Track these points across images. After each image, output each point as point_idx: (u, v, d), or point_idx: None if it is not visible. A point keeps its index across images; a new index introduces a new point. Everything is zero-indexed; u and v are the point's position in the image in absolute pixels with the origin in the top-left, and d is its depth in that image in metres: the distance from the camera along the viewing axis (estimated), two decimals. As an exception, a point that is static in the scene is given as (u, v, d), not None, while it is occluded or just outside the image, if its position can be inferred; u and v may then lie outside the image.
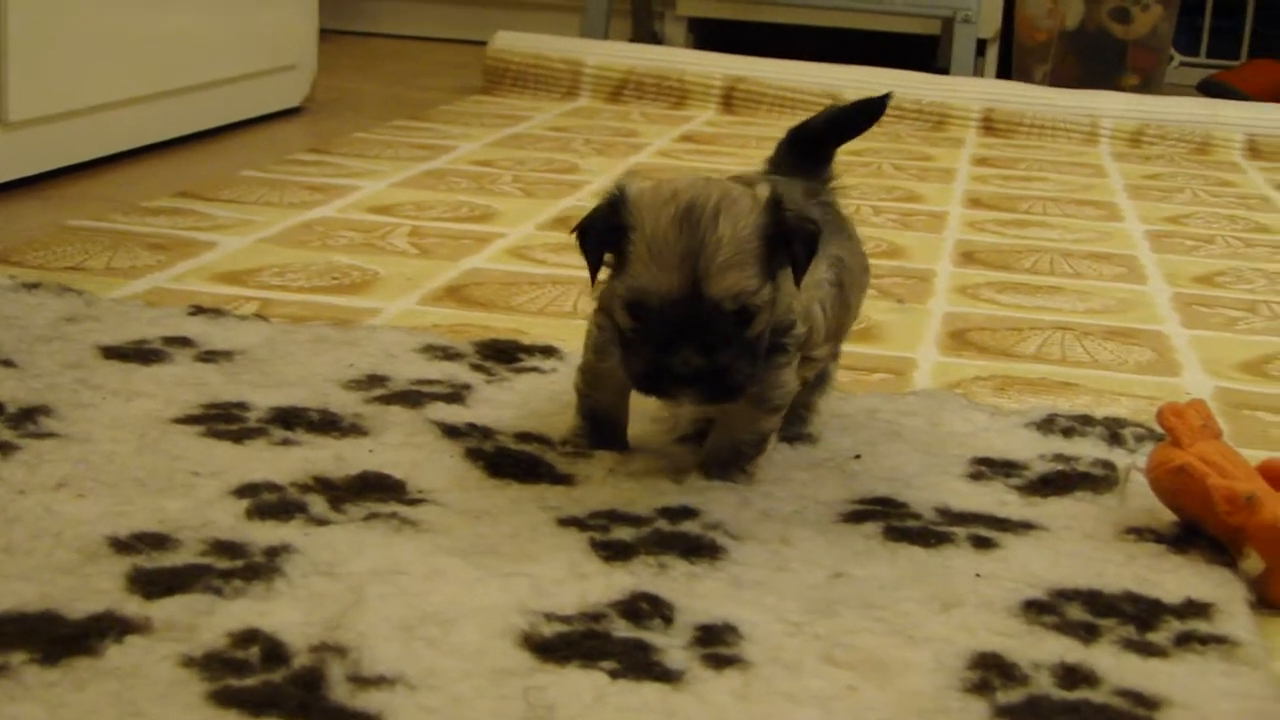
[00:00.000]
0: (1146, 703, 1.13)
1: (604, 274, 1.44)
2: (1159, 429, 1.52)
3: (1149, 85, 4.84)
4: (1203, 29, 5.71)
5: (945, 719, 1.10)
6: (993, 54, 5.16)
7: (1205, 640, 1.23)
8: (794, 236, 1.39)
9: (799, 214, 1.40)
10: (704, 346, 1.34)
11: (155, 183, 2.81)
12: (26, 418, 1.53)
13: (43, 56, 2.67)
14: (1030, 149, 3.90)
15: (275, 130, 3.54)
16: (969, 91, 4.21)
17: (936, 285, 2.40)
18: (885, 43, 5.19)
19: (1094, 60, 4.84)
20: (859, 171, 3.40)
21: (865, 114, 1.71)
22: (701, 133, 3.82)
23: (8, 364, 1.68)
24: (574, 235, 1.43)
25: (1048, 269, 2.56)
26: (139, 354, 1.75)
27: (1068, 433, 1.69)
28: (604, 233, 1.40)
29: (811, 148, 1.68)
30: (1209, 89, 5.14)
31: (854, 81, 4.18)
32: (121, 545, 1.27)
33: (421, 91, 4.28)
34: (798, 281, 1.41)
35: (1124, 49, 4.87)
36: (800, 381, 1.51)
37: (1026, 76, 4.83)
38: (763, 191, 1.40)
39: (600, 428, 1.56)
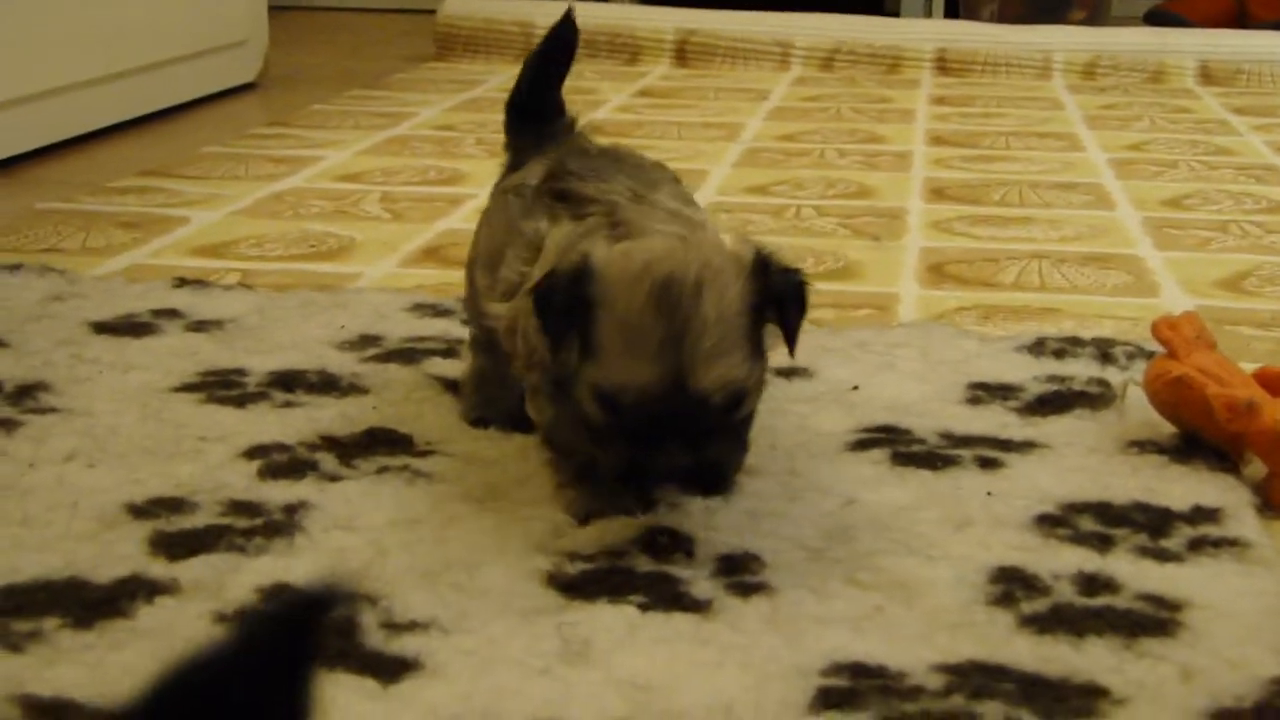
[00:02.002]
0: (1169, 605, 1.15)
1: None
2: (1149, 347, 1.54)
3: (1095, 18, 4.85)
4: (1145, -40, 5.73)
5: (974, 632, 1.11)
6: (939, -5, 5.17)
7: (1218, 544, 1.26)
8: (786, 300, 1.21)
9: (785, 270, 1.22)
10: (690, 443, 1.17)
11: (118, 163, 2.80)
12: (26, 394, 1.54)
13: (-1, 41, 2.66)
14: (985, 86, 3.91)
15: (231, 106, 3.53)
16: (921, 33, 4.22)
17: (909, 222, 2.41)
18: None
19: (1040, -4, 4.86)
20: (818, 116, 3.41)
21: (560, 41, 1.52)
22: (657, 87, 3.82)
23: (1, 344, 1.68)
24: (531, 302, 1.23)
25: (1017, 200, 2.57)
26: (129, 327, 1.76)
27: (1059, 354, 1.70)
28: (568, 308, 1.19)
29: (535, 105, 1.52)
30: (1156, 19, 5.16)
31: (805, 29, 4.20)
32: (139, 511, 1.28)
33: (374, 62, 4.27)
34: (791, 349, 1.24)
35: (1069, -16, 4.88)
36: None
37: (974, 15, 4.84)
38: (746, 253, 1.21)
39: (598, 484, 1.29)
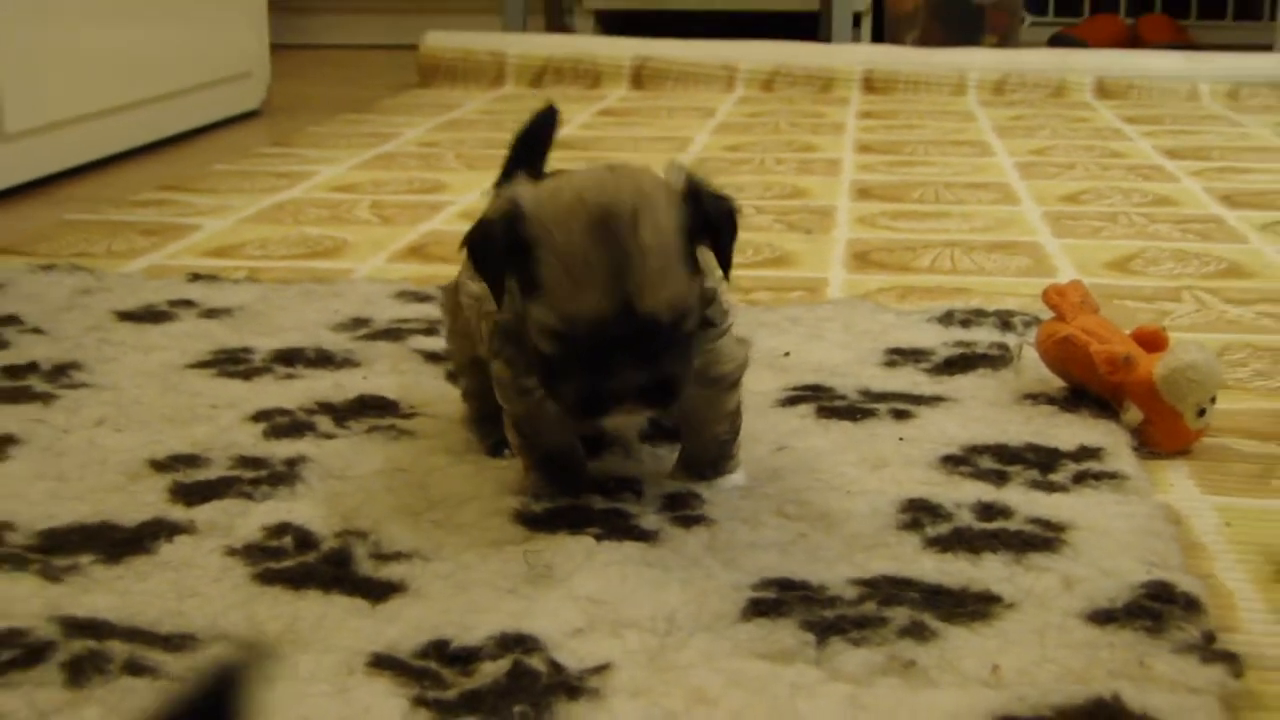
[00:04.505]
0: (1054, 527, 1.19)
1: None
2: (1044, 316, 1.57)
3: (1006, 43, 4.90)
4: (1049, -9, 5.78)
5: (885, 552, 1.15)
6: (867, 25, 5.20)
7: (1099, 477, 1.29)
8: (718, 222, 1.16)
9: (716, 196, 1.17)
10: (643, 362, 1.11)
11: (139, 180, 2.82)
12: (60, 373, 1.57)
13: (31, 73, 2.68)
14: (908, 102, 3.96)
15: (238, 131, 3.55)
16: (850, 57, 4.26)
17: (838, 218, 2.45)
18: (770, 21, 5.22)
19: (956, 25, 4.91)
20: (758, 130, 3.45)
21: (539, 128, 1.52)
22: (617, 108, 3.85)
23: (37, 331, 1.71)
24: (463, 250, 1.18)
25: (934, 198, 2.61)
26: (150, 315, 1.79)
27: (965, 323, 1.74)
28: (503, 252, 1.13)
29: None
30: (1059, 42, 5.21)
31: (748, 56, 4.23)
32: (160, 466, 1.32)
33: (364, 90, 4.29)
34: (726, 269, 1.20)
35: (982, 13, 4.94)
36: None
37: (898, 41, 4.89)
38: (676, 179, 1.16)
39: (559, 472, 1.27)
